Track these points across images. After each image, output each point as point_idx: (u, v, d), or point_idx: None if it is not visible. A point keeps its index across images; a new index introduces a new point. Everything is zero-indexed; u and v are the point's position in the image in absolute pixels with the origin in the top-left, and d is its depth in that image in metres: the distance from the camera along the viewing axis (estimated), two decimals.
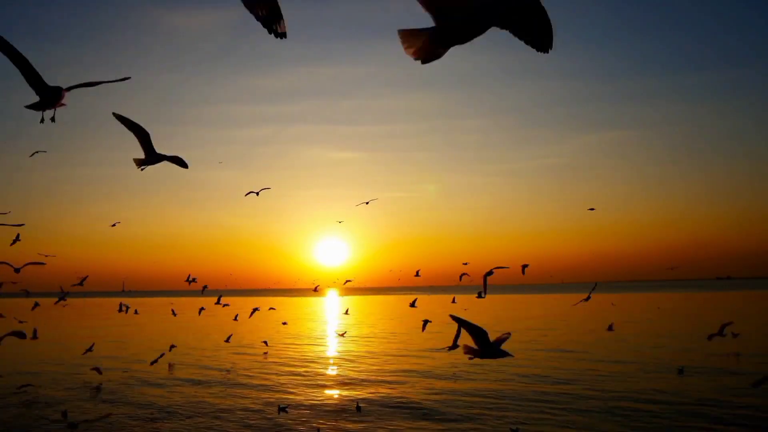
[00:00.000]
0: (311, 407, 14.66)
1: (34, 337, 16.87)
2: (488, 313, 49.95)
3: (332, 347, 28.53)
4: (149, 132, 4.85)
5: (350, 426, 12.80)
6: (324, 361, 23.41)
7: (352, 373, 19.80)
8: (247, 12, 2.75)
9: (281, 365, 21.76)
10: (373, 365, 21.47)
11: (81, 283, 15.42)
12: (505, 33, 2.60)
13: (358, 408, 14.15)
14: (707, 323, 26.90)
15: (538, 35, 2.69)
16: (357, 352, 25.85)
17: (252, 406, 14.80)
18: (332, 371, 20.55)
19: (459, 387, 16.77)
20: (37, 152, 9.83)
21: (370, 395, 15.90)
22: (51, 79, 3.81)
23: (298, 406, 14.73)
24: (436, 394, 15.86)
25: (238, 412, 14.05)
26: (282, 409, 13.78)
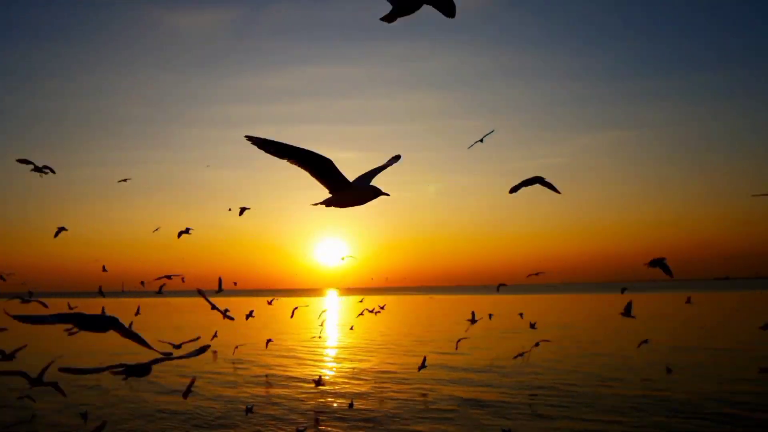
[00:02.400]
0: (291, 406, 14.57)
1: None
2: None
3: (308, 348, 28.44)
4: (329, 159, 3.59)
5: (340, 425, 12.76)
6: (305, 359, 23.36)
7: (337, 371, 19.76)
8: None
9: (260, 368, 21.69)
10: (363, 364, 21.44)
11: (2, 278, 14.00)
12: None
13: (351, 405, 14.02)
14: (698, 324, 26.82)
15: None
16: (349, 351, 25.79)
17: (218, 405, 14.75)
18: (311, 369, 20.51)
19: (449, 384, 16.75)
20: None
21: (362, 391, 15.88)
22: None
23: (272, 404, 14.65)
24: (427, 391, 15.84)
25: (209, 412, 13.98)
26: (249, 410, 13.25)
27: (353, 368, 20.86)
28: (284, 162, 3.55)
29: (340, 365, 22.00)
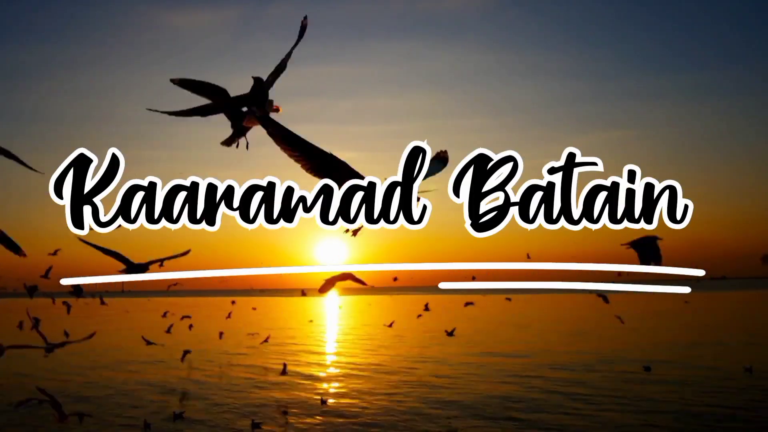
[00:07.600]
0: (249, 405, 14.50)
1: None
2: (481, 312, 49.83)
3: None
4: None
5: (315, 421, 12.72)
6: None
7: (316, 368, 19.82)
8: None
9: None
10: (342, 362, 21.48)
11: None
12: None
13: (323, 402, 13.95)
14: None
15: None
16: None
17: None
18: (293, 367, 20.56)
19: (434, 381, 16.81)
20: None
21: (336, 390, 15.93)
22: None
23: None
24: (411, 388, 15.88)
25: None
26: (177, 416, 12.33)
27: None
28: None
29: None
